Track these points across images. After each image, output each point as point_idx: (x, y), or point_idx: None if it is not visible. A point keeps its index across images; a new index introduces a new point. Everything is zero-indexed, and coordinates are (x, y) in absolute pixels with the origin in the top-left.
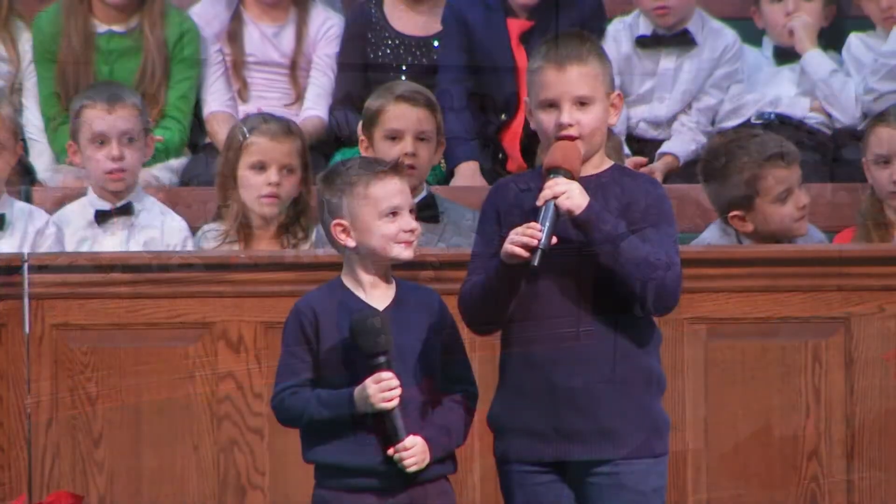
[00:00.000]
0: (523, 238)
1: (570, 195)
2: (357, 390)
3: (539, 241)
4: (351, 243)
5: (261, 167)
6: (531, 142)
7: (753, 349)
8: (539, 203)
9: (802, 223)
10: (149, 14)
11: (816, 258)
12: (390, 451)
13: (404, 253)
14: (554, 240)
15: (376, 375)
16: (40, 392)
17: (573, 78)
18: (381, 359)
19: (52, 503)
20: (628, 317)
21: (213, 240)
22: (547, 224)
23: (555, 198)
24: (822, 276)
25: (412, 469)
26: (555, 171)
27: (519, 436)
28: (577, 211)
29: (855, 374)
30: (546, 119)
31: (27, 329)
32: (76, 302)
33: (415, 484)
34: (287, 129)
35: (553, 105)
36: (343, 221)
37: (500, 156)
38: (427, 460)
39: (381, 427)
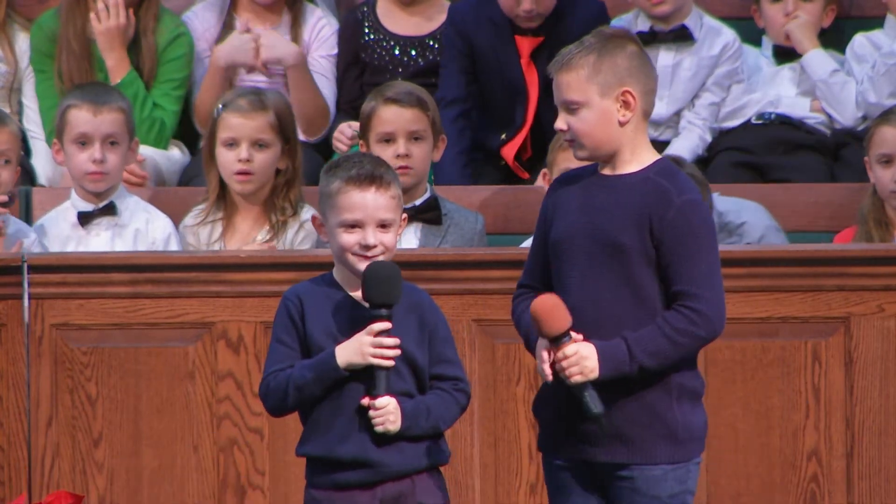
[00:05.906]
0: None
1: (582, 369)
2: (340, 346)
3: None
4: (324, 238)
5: (232, 143)
6: (532, 155)
7: (753, 349)
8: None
9: None
10: (143, 19)
11: (816, 258)
12: (364, 401)
13: (359, 265)
14: (600, 408)
15: (370, 328)
16: (40, 392)
17: (559, 84)
18: (384, 311)
19: (51, 503)
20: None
21: (194, 217)
22: (585, 397)
23: (571, 376)
24: (822, 276)
25: (378, 429)
26: (553, 341)
27: (546, 430)
28: (596, 376)
29: (855, 374)
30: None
31: (27, 329)
32: (76, 302)
33: (405, 476)
34: (259, 103)
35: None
36: (318, 215)
37: (502, 163)
38: (398, 425)
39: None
